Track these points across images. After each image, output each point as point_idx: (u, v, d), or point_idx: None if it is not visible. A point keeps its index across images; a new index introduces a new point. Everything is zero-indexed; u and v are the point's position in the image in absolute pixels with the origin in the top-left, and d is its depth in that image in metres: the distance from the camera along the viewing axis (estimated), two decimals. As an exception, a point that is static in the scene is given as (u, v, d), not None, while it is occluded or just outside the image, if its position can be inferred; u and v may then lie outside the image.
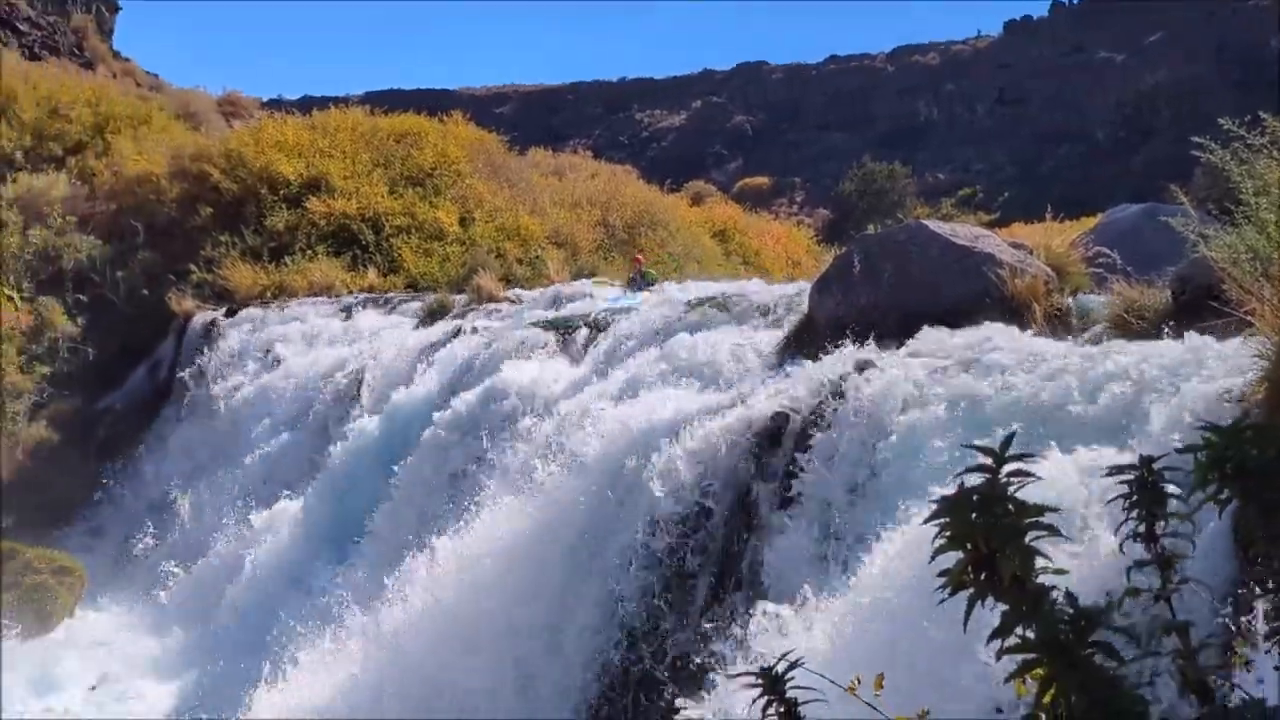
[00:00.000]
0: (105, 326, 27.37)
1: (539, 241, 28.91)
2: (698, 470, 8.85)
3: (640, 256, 21.29)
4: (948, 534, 2.21)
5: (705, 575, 8.54)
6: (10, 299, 26.64)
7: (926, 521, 2.24)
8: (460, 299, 21.33)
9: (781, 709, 2.33)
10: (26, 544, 20.68)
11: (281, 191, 29.53)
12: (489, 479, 12.18)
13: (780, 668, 2.35)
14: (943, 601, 2.21)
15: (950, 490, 2.25)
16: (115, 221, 29.16)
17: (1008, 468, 2.24)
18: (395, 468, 14.63)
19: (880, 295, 10.53)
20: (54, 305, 27.06)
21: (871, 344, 9.14)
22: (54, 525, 23.13)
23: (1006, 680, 2.21)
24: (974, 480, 2.25)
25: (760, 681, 2.35)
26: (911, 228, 11.22)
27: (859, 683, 2.85)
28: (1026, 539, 2.17)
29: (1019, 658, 2.16)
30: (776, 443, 8.42)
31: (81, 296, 27.59)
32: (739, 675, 2.42)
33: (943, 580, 2.21)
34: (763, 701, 2.34)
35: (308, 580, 15.13)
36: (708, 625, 7.42)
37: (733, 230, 36.61)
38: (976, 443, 2.35)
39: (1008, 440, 2.28)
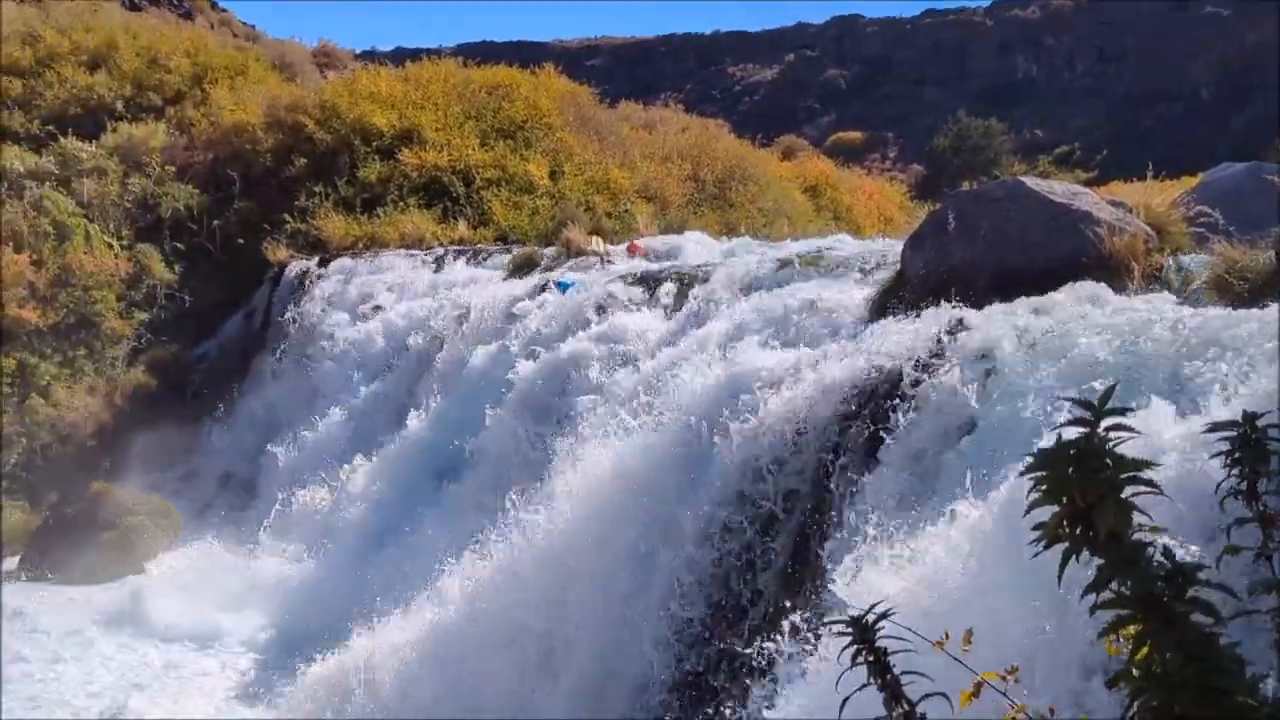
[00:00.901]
0: (201, 275, 27.86)
1: (628, 195, 28.86)
2: (785, 425, 8.83)
3: (638, 244, 20.53)
4: (1044, 488, 2.19)
5: (791, 526, 8.54)
6: (110, 246, 27.18)
7: (1023, 474, 2.22)
8: (549, 252, 21.37)
9: (870, 658, 2.33)
10: (125, 487, 21.24)
11: (374, 143, 29.76)
12: (574, 432, 12.26)
13: (870, 618, 2.35)
14: (1037, 555, 2.20)
15: (1048, 444, 2.22)
16: (212, 171, 29.61)
17: (1106, 422, 2.21)
18: (485, 419, 14.77)
19: (975, 253, 10.38)
20: (152, 253, 27.58)
21: (965, 302, 9.02)
22: (150, 469, 23.68)
23: (1100, 636, 2.19)
24: (1072, 434, 2.23)
25: (850, 630, 2.35)
26: (1008, 184, 11.02)
27: (947, 637, 2.83)
28: (1124, 494, 2.14)
29: (1113, 614, 2.14)
30: (867, 398, 8.37)
31: (179, 245, 28.08)
32: (830, 623, 2.42)
33: (1038, 534, 2.19)
34: (852, 650, 2.34)
35: (400, 524, 15.35)
36: (793, 575, 7.44)
37: (824, 186, 36.26)
38: (1074, 396, 2.31)
39: (1107, 394, 2.25)
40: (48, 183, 27.55)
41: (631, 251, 20.06)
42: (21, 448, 24.05)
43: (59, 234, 26.51)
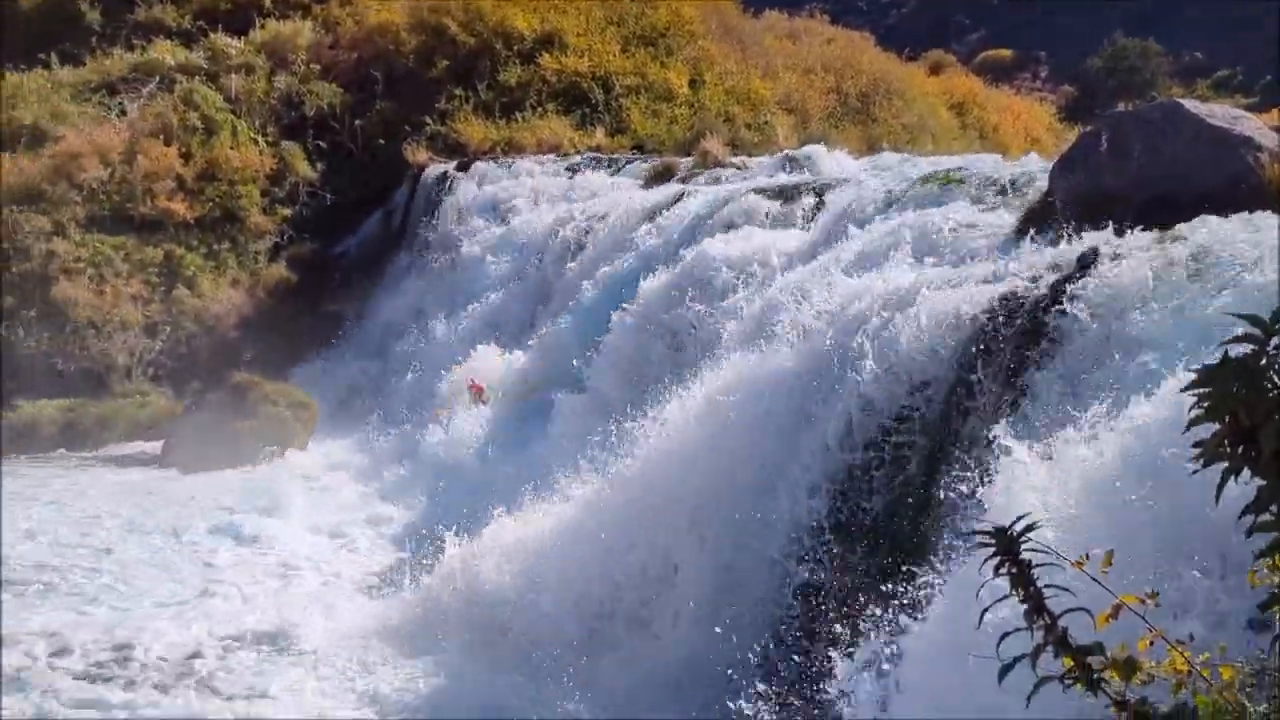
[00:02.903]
0: (342, 174, 28.31)
1: (769, 106, 28.51)
2: (921, 346, 8.69)
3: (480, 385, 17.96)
4: (1206, 404, 2.10)
5: (920, 449, 8.44)
6: (255, 142, 27.72)
7: (1185, 390, 2.14)
8: (686, 162, 21.23)
9: (1013, 570, 2.28)
10: (265, 378, 21.83)
11: (515, 47, 29.75)
12: (702, 346, 12.24)
13: (1015, 530, 2.30)
14: (1195, 473, 2.12)
15: (1211, 361, 2.13)
16: (356, 70, 29.91)
17: (1277, 340, 2.11)
18: (611, 325, 14.82)
19: (1127, 177, 10.03)
20: (295, 150, 28.07)
21: (1114, 226, 8.74)
22: (290, 362, 24.33)
23: (1258, 559, 2.12)
24: (1238, 351, 2.13)
25: (994, 541, 2.30)
26: (1165, 106, 10.61)
27: (1087, 558, 2.76)
28: (1293, 414, 2.04)
29: (1270, 536, 2.06)
30: (1007, 322, 8.19)
31: (321, 143, 28.52)
32: (973, 534, 2.38)
33: (1197, 451, 2.11)
34: (994, 562, 2.29)
35: (525, 427, 15.56)
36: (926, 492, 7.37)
37: (971, 103, 35.39)
38: (1243, 312, 2.21)
39: (1279, 313, 2.15)
40: (197, 77, 28.14)
41: (476, 394, 17.80)
42: (166, 336, 24.85)
43: (207, 129, 27.12)
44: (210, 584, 13.81)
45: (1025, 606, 2.27)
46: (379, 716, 10.15)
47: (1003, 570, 2.28)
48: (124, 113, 27.43)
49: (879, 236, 11.66)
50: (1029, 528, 2.29)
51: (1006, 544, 2.28)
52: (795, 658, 8.42)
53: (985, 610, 2.38)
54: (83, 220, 25.15)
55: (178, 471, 19.38)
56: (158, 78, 28.16)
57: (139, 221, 25.63)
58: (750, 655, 8.98)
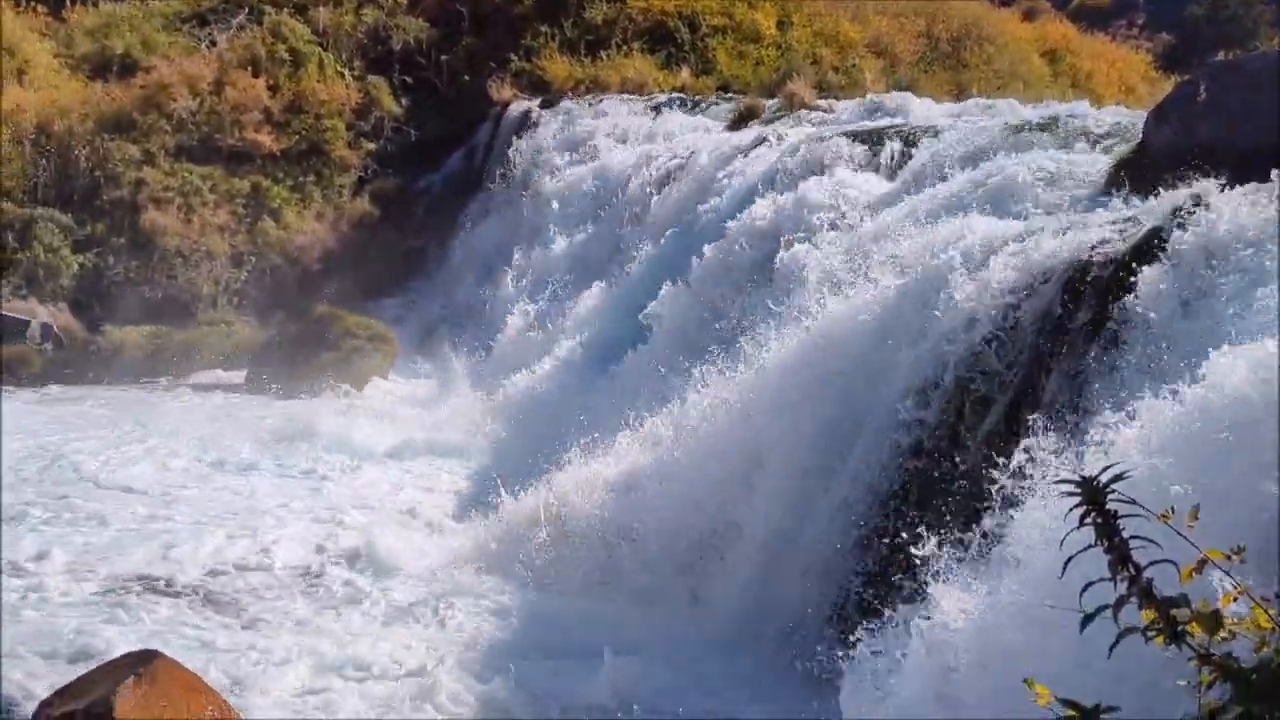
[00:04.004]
0: (427, 109, 28.38)
1: (857, 50, 28.11)
2: (1005, 297, 8.58)
3: None
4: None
5: (1001, 403, 8.36)
6: (341, 75, 27.87)
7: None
8: (771, 104, 21.02)
9: (1099, 519, 2.25)
10: (346, 311, 22.10)
11: (602, -16, 29.57)
12: (781, 290, 12.16)
13: (1102, 479, 2.27)
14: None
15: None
16: (442, 6, 29.85)
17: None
18: (692, 269, 14.76)
19: (1224, 128, 9.80)
20: (381, 85, 28.18)
21: (1210, 179, 8.54)
22: (371, 295, 24.59)
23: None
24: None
25: (1080, 490, 2.27)
26: (1268, 56, 10.38)
27: (1173, 511, 2.72)
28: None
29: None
30: (1097, 274, 8.05)
31: (407, 78, 28.59)
32: (1060, 483, 2.35)
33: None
34: (1080, 511, 2.27)
35: (605, 365, 15.60)
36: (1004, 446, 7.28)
37: (1064, 50, 34.59)
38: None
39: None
40: (285, 10, 28.30)
41: None
42: (252, 266, 25.20)
43: (294, 61, 27.32)
44: (286, 511, 14.08)
45: (1109, 558, 2.25)
46: (454, 647, 10.28)
47: (1088, 520, 2.25)
48: (213, 44, 27.71)
49: (965, 185, 11.50)
50: (1117, 477, 2.26)
51: (1092, 494, 2.25)
52: (866, 608, 8.42)
53: (1069, 560, 2.35)
54: (172, 150, 25.52)
55: (258, 399, 19.70)
56: (247, 9, 28.37)
57: (226, 152, 25.95)
58: (823, 603, 9.02)
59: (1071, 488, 2.27)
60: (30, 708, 8.16)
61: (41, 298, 23.62)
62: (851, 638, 7.42)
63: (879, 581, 8.54)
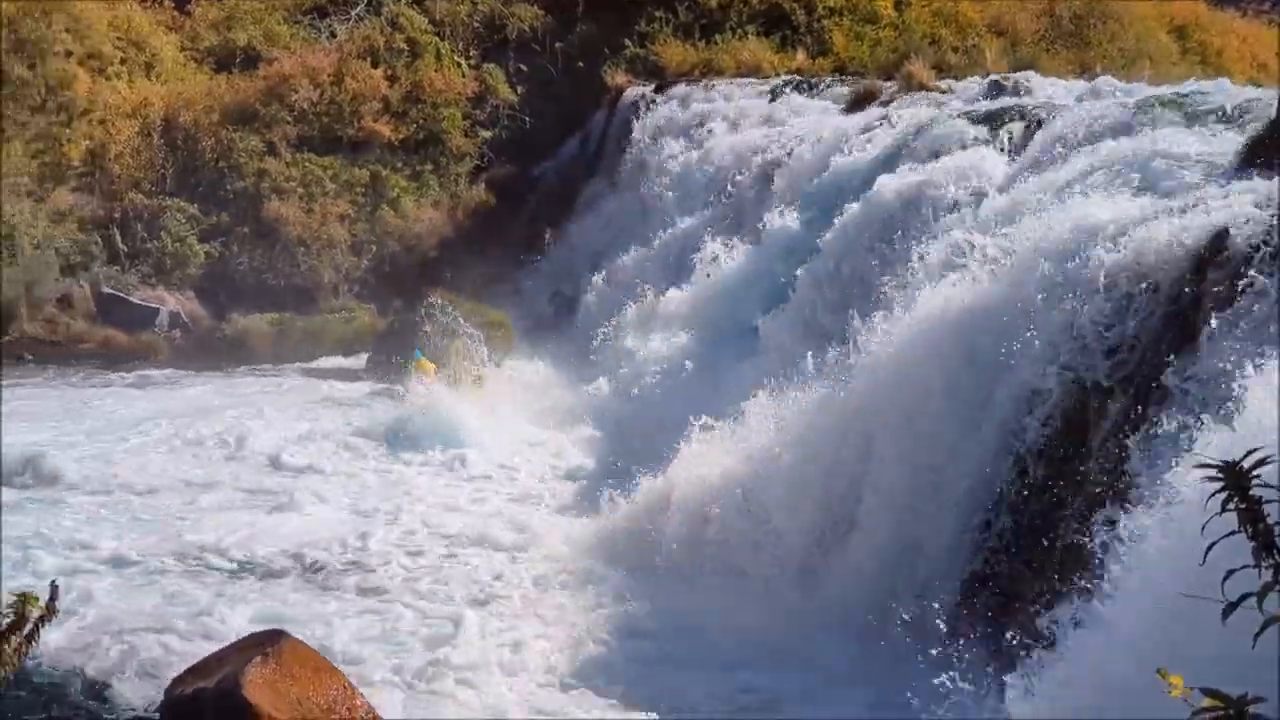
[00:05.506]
0: (542, 97, 28.50)
1: (977, 29, 27.56)
2: (1130, 279, 8.34)
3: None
4: None
5: (1125, 390, 8.13)
6: (458, 65, 28.11)
7: None
8: (889, 86, 20.69)
9: (1242, 505, 2.14)
10: (463, 298, 22.32)
11: (717, -32, 29.35)
12: (903, 272, 11.97)
13: (1245, 464, 2.16)
14: None
15: None
16: (558, -8, 29.95)
17: None
18: (814, 252, 14.63)
19: (1364, 103, 9.42)
20: (497, 73, 28.38)
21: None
22: (488, 282, 24.76)
23: None
24: None
25: (1222, 476, 2.17)
26: None
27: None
28: None
29: None
30: (1228, 254, 7.77)
31: (522, 66, 28.74)
32: (1200, 467, 2.24)
33: None
34: (1222, 496, 2.16)
35: (719, 351, 15.54)
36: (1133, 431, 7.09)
37: (1192, 27, 33.52)
38: None
39: None
40: (402, 0, 28.61)
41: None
42: (371, 255, 25.61)
43: (412, 51, 27.62)
44: (406, 495, 14.27)
45: (1253, 545, 2.14)
46: (575, 630, 10.32)
47: (1230, 506, 2.15)
48: (333, 35, 28.15)
49: (1090, 164, 11.20)
50: (1260, 462, 2.15)
51: (1235, 479, 2.14)
52: (994, 597, 8.27)
53: (1210, 547, 2.25)
54: (293, 140, 26.03)
55: (378, 385, 19.98)
56: (365, 1, 28.75)
57: (346, 142, 26.38)
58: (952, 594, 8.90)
59: (1213, 473, 2.17)
60: (162, 684, 8.41)
61: (169, 286, 24.27)
62: (990, 630, 7.30)
63: (1009, 573, 8.37)
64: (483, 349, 20.65)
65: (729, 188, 19.62)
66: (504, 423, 17.23)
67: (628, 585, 11.11)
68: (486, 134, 27.82)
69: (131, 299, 23.84)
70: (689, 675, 9.33)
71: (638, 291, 19.30)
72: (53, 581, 4.09)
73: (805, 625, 9.84)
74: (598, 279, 21.94)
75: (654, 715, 8.73)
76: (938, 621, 8.51)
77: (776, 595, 10.39)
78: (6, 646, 3.81)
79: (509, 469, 15.65)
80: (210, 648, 8.73)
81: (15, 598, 3.85)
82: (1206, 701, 2.03)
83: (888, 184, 14.07)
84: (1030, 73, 18.93)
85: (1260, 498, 2.14)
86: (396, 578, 11.59)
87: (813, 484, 10.72)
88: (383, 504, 13.81)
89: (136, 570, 11.62)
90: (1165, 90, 14.55)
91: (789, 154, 18.37)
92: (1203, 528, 2.23)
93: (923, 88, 19.55)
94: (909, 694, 7.83)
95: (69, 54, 25.17)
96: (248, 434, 16.59)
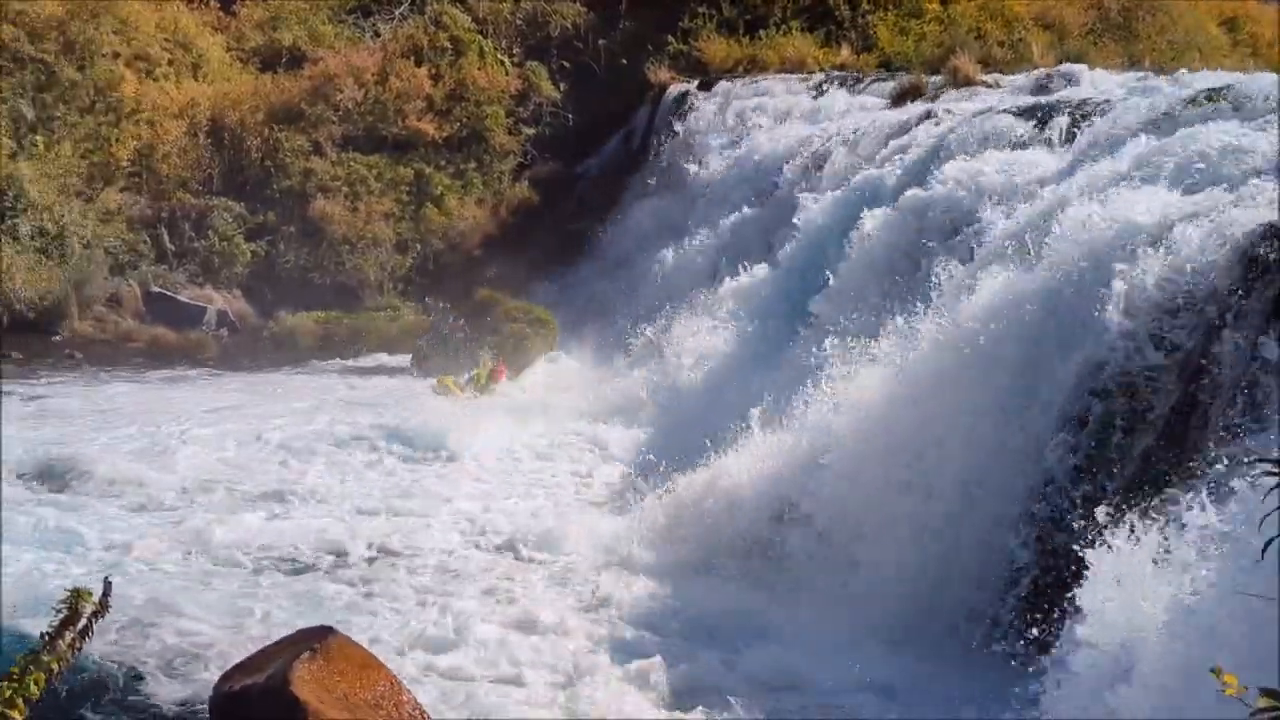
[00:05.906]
0: (585, 94, 28.53)
1: (1024, 23, 27.33)
2: (1177, 276, 8.23)
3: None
4: None
5: (1168, 389, 8.02)
6: (501, 62, 28.17)
7: None
8: (934, 81, 20.55)
9: (1301, 500, 2.08)
10: (507, 295, 22.36)
11: (761, -37, 29.26)
12: (945, 268, 11.85)
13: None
14: None
15: None
16: (599, -11, 29.95)
17: None
18: (853, 248, 14.52)
19: None
20: (540, 70, 28.43)
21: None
22: (531, 279, 24.82)
23: None
24: None
25: (1277, 471, 2.10)
26: None
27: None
28: None
29: None
30: (1276, 249, 7.64)
31: (565, 63, 28.79)
32: (1255, 461, 2.18)
33: None
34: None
35: (763, 347, 15.46)
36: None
37: (1244, 19, 33.10)
38: None
39: None
40: (446, -1, 28.72)
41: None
42: (416, 253, 25.75)
43: (455, 49, 27.71)
44: (449, 492, 14.28)
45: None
46: (618, 626, 10.28)
47: (1288, 500, 2.08)
48: (377, 34, 28.31)
49: (1139, 158, 11.05)
50: (1321, 456, 2.09)
51: (1293, 473, 2.08)
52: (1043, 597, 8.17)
53: (1269, 543, 2.18)
54: (338, 139, 26.20)
55: (424, 381, 20.03)
56: (409, 1, 28.87)
57: (391, 141, 26.52)
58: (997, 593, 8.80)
59: (1270, 467, 2.10)
60: (198, 681, 8.44)
61: (216, 285, 24.48)
62: (1033, 629, 7.21)
63: (1055, 570, 8.26)
64: (527, 345, 20.70)
65: (774, 183, 19.53)
66: (546, 418, 17.23)
67: (662, 579, 11.06)
68: (529, 131, 27.87)
69: (179, 298, 24.06)
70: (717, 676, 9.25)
71: (682, 287, 19.26)
72: (106, 578, 4.10)
73: (845, 626, 9.74)
74: (643, 272, 21.91)
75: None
76: (1000, 615, 8.46)
77: (815, 594, 10.30)
78: (60, 641, 3.82)
79: (548, 465, 15.62)
80: (249, 644, 8.74)
81: (68, 593, 3.86)
82: (1263, 701, 1.96)
83: (933, 178, 13.94)
84: (1079, 66, 18.73)
85: (1319, 493, 2.08)
86: (432, 575, 11.56)
87: (871, 474, 10.58)
88: (417, 503, 13.79)
89: (174, 568, 11.65)
90: (1214, 82, 14.32)
91: (834, 148, 18.25)
92: (1260, 524, 2.16)
93: (969, 82, 19.41)
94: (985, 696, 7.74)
95: (117, 55, 25.43)
96: (285, 433, 16.63)
